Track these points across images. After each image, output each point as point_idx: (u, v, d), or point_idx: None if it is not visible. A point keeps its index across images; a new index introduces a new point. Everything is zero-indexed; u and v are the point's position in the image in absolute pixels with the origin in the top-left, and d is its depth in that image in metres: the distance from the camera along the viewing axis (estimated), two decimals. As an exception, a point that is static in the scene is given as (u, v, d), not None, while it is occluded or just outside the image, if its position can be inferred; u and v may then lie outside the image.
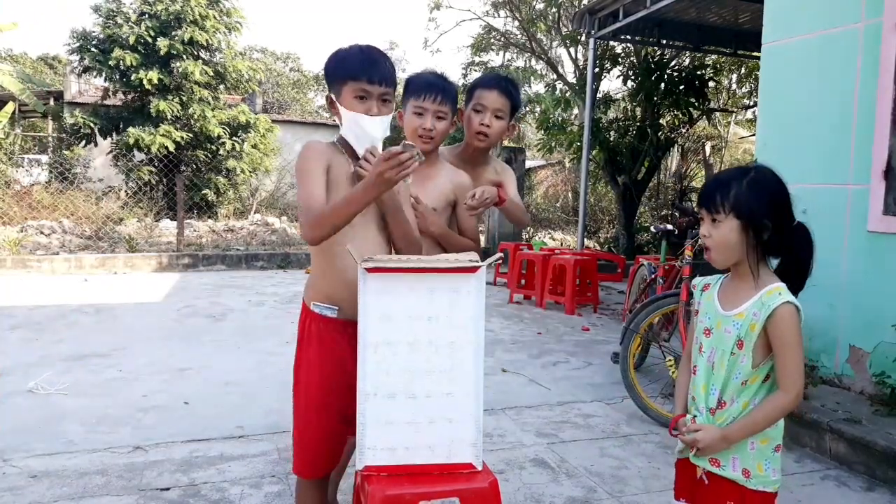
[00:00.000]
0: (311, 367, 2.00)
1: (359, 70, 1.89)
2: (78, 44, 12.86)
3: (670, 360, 4.04)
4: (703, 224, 1.70)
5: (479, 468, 1.74)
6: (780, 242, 1.66)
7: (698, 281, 1.83)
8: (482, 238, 12.09)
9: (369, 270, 1.67)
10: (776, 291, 1.62)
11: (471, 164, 2.47)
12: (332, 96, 1.97)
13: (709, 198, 1.67)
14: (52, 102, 15.97)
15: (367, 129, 1.91)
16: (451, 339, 1.69)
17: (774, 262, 1.72)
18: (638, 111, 10.94)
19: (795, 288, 1.67)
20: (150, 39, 12.73)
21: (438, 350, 1.69)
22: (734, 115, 13.83)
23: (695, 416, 1.72)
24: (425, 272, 1.67)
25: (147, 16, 13.04)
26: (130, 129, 12.68)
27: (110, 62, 12.60)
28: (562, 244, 13.41)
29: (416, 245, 2.00)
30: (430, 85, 2.23)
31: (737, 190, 1.63)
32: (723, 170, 1.86)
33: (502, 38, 13.50)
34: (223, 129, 13.57)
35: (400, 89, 2.27)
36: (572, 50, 11.99)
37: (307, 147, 1.94)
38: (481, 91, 2.44)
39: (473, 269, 1.69)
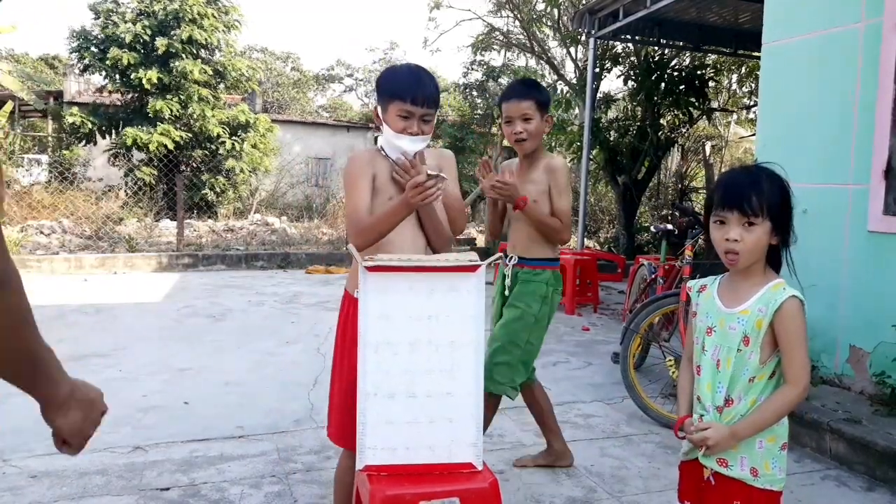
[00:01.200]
0: (353, 346, 2.07)
1: (405, 91, 2.09)
2: (77, 43, 12.87)
3: (670, 360, 4.04)
4: (730, 227, 1.61)
5: (480, 468, 1.74)
6: (789, 240, 1.68)
7: (694, 283, 1.82)
8: (481, 238, 12.09)
9: (369, 269, 1.67)
10: (780, 286, 1.63)
11: (527, 165, 2.90)
12: (379, 109, 2.19)
13: (744, 199, 1.59)
14: (51, 102, 15.97)
15: (403, 146, 2.12)
16: (452, 338, 1.69)
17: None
18: (638, 111, 10.93)
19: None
20: (147, 38, 12.73)
21: (438, 349, 1.69)
22: (734, 114, 13.82)
23: (702, 416, 1.72)
24: (425, 271, 1.67)
25: (145, 15, 13.04)
26: (128, 129, 12.68)
27: (108, 61, 12.61)
28: (562, 244, 13.40)
29: (444, 238, 2.20)
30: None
31: (769, 191, 1.59)
32: (737, 169, 1.80)
33: (503, 38, 13.50)
34: (223, 128, 13.57)
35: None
36: (573, 50, 11.99)
37: (352, 159, 2.21)
38: (503, 104, 2.80)
39: (473, 269, 1.70)
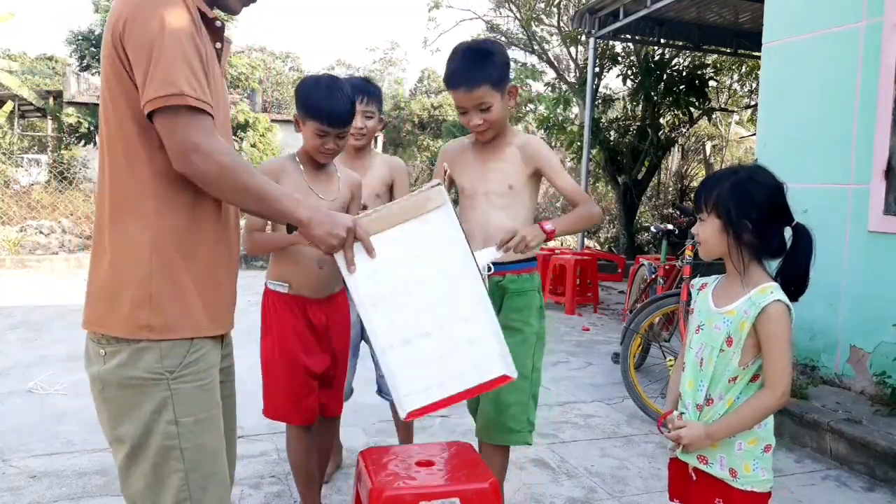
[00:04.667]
0: (272, 332, 2.41)
1: (320, 112, 2.17)
2: (77, 42, 12.85)
3: (671, 361, 4.03)
4: (697, 223, 1.75)
5: (515, 376, 1.69)
6: (767, 244, 1.66)
7: (696, 281, 1.85)
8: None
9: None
10: (768, 290, 1.62)
11: (492, 146, 2.27)
12: (298, 116, 2.27)
13: (696, 197, 1.75)
14: (51, 102, 15.97)
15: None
16: (441, 267, 1.65)
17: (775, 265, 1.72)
18: (638, 111, 10.93)
19: (795, 292, 1.67)
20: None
21: (434, 283, 1.65)
22: (735, 114, 13.82)
23: (682, 413, 1.73)
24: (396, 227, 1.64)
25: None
26: None
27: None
28: (562, 244, 13.41)
29: None
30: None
31: (719, 190, 1.67)
32: (715, 171, 1.89)
33: (503, 38, 13.50)
34: (223, 128, 13.56)
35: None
36: (573, 49, 11.98)
37: (260, 169, 2.31)
38: (450, 91, 2.20)
39: (437, 205, 1.66)
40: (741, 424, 1.63)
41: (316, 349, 2.35)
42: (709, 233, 1.69)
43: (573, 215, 2.21)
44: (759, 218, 1.64)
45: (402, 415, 1.66)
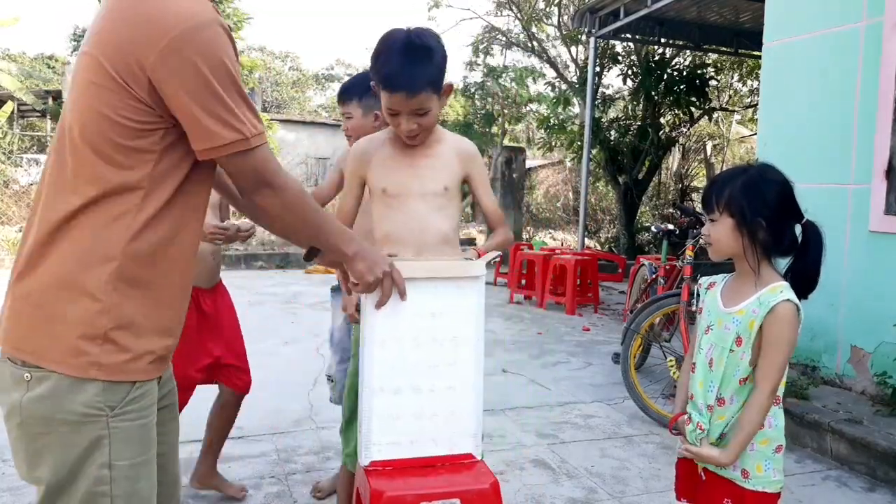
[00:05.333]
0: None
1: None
2: (77, 43, 12.83)
3: (671, 361, 4.03)
4: (706, 223, 1.72)
5: (479, 458, 1.76)
6: (779, 241, 1.65)
7: (704, 280, 1.84)
8: (482, 238, 12.08)
9: None
10: (778, 289, 1.61)
11: (421, 148, 1.99)
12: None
13: (705, 198, 1.72)
14: (50, 102, 15.96)
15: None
16: (454, 333, 1.72)
17: (785, 263, 1.71)
18: (639, 110, 10.93)
19: (805, 289, 1.66)
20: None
21: (442, 345, 1.71)
22: (736, 114, 13.82)
23: (689, 416, 1.72)
24: (429, 280, 1.70)
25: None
26: None
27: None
28: (562, 244, 13.41)
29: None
30: None
31: (731, 189, 1.65)
32: (724, 170, 1.88)
33: (503, 38, 13.50)
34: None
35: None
36: (573, 49, 11.98)
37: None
38: (383, 92, 1.87)
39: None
40: (747, 436, 1.62)
41: (208, 336, 2.64)
42: (722, 233, 1.67)
43: (499, 240, 2.03)
44: (773, 216, 1.62)
45: (364, 462, 1.69)
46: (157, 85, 1.17)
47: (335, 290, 2.74)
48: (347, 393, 2.09)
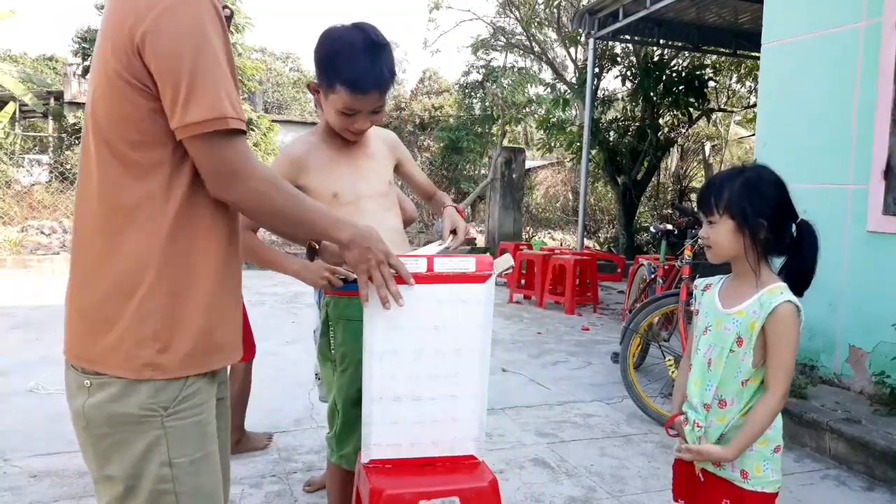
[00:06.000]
0: None
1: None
2: (80, 43, 12.83)
3: (670, 360, 4.04)
4: (704, 226, 1.71)
5: (481, 459, 1.76)
6: (780, 241, 1.66)
7: (700, 281, 1.83)
8: (481, 238, 12.09)
9: None
10: (778, 290, 1.62)
11: (356, 147, 2.01)
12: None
13: (703, 201, 1.70)
14: (52, 102, 15.96)
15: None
16: (458, 346, 1.68)
17: (779, 262, 1.72)
18: (637, 111, 10.94)
19: (800, 287, 1.67)
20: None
21: (445, 357, 1.68)
22: (734, 114, 13.83)
23: (685, 416, 1.72)
24: (435, 281, 1.63)
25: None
26: None
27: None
28: (562, 244, 13.42)
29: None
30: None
31: (729, 191, 1.64)
32: (718, 172, 1.87)
33: (503, 38, 13.50)
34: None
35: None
36: (572, 50, 11.99)
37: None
38: (344, 93, 1.80)
39: (483, 279, 1.66)
40: (755, 434, 1.62)
41: None
42: (722, 235, 1.66)
43: (449, 199, 2.16)
44: (774, 216, 1.63)
45: (365, 460, 1.70)
46: (147, 64, 1.13)
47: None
48: (342, 407, 2.00)
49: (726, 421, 1.66)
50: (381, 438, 1.69)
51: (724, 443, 1.66)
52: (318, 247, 1.85)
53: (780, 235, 1.65)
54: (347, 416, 1.96)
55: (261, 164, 1.23)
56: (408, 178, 2.15)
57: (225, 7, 1.26)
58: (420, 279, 1.62)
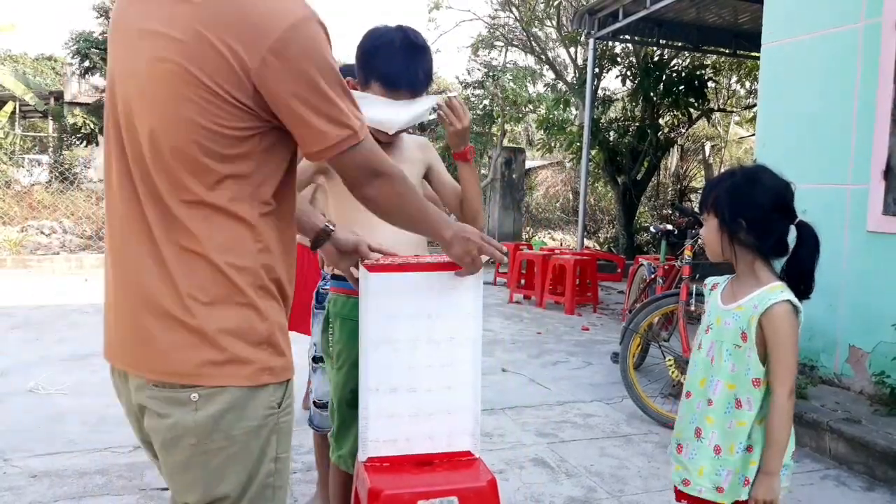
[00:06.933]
0: None
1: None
2: (77, 45, 12.84)
3: (670, 360, 4.04)
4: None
5: (477, 455, 1.77)
6: (765, 240, 1.66)
7: (709, 280, 1.87)
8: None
9: (370, 269, 1.67)
10: (777, 289, 1.63)
11: (390, 147, 2.00)
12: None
13: (700, 199, 1.81)
14: (52, 102, 15.98)
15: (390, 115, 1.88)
16: (451, 335, 1.72)
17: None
18: (637, 111, 10.95)
19: (801, 288, 1.67)
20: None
21: (438, 346, 1.71)
22: (734, 114, 13.83)
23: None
24: (425, 269, 1.69)
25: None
26: None
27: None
28: (561, 244, 13.42)
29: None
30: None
31: (717, 190, 1.71)
32: (721, 172, 1.96)
33: (503, 38, 13.51)
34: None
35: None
36: (572, 50, 11.99)
37: None
38: (383, 90, 1.84)
39: None
40: (781, 442, 1.62)
41: None
42: (708, 232, 1.72)
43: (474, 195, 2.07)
44: (755, 217, 1.64)
45: (362, 458, 1.71)
46: (263, 89, 1.12)
47: (318, 302, 2.55)
48: (337, 406, 2.00)
49: (746, 425, 1.65)
50: (378, 433, 1.70)
51: (757, 456, 1.65)
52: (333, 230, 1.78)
53: (762, 235, 1.65)
54: (343, 416, 1.99)
55: (392, 164, 1.31)
56: (438, 184, 2.13)
57: None
58: (411, 268, 1.68)
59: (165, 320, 1.14)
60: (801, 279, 1.68)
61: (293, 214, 1.31)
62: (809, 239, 1.67)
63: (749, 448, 1.66)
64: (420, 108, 1.86)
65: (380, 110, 1.83)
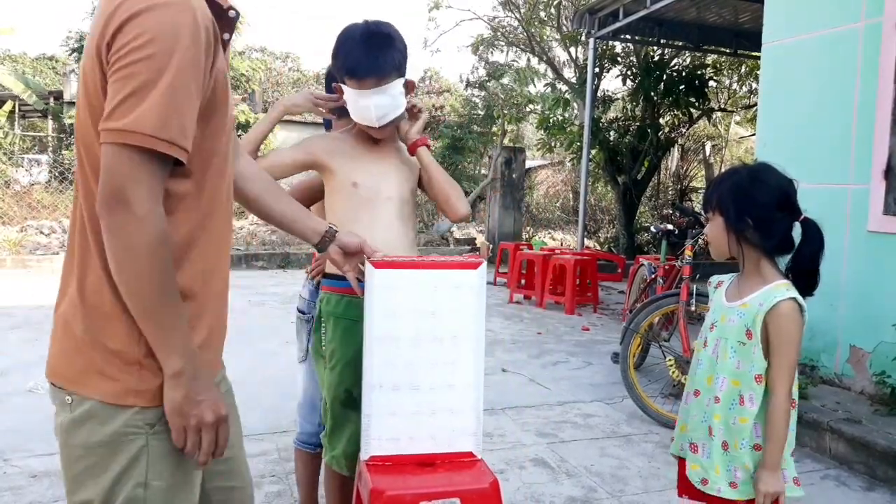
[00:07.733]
0: None
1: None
2: (75, 45, 12.83)
3: (670, 360, 4.03)
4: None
5: (479, 456, 1.77)
6: (770, 238, 1.66)
7: (714, 278, 1.87)
8: (481, 237, 12.09)
9: (375, 265, 1.68)
10: (783, 287, 1.64)
11: (384, 143, 2.05)
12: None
13: (704, 198, 1.80)
14: (51, 102, 15.96)
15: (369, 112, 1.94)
16: (454, 332, 1.73)
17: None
18: (638, 111, 10.94)
19: (806, 286, 1.68)
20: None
21: (442, 343, 1.72)
22: (734, 114, 13.83)
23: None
24: (430, 267, 1.71)
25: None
26: None
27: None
28: (562, 244, 13.41)
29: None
30: None
31: (721, 189, 1.72)
32: (724, 170, 1.95)
33: (503, 38, 13.50)
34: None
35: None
36: (572, 50, 11.98)
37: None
38: (350, 82, 1.89)
39: (475, 265, 1.74)
40: (778, 440, 1.62)
41: None
42: (714, 231, 1.72)
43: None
44: (760, 215, 1.65)
45: (365, 456, 1.71)
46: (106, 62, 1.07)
47: (301, 314, 2.55)
48: (331, 405, 1.99)
49: (749, 421, 1.65)
50: (381, 431, 1.70)
51: (760, 455, 1.65)
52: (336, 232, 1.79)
53: (767, 233, 1.66)
54: (336, 415, 1.98)
55: (161, 213, 1.08)
56: (431, 184, 2.10)
57: (230, 8, 1.22)
58: (416, 265, 1.70)
59: (66, 325, 1.16)
60: (806, 275, 1.68)
61: (211, 217, 1.21)
62: (814, 236, 1.69)
63: (756, 447, 1.66)
64: (392, 91, 1.90)
65: (354, 102, 1.91)
